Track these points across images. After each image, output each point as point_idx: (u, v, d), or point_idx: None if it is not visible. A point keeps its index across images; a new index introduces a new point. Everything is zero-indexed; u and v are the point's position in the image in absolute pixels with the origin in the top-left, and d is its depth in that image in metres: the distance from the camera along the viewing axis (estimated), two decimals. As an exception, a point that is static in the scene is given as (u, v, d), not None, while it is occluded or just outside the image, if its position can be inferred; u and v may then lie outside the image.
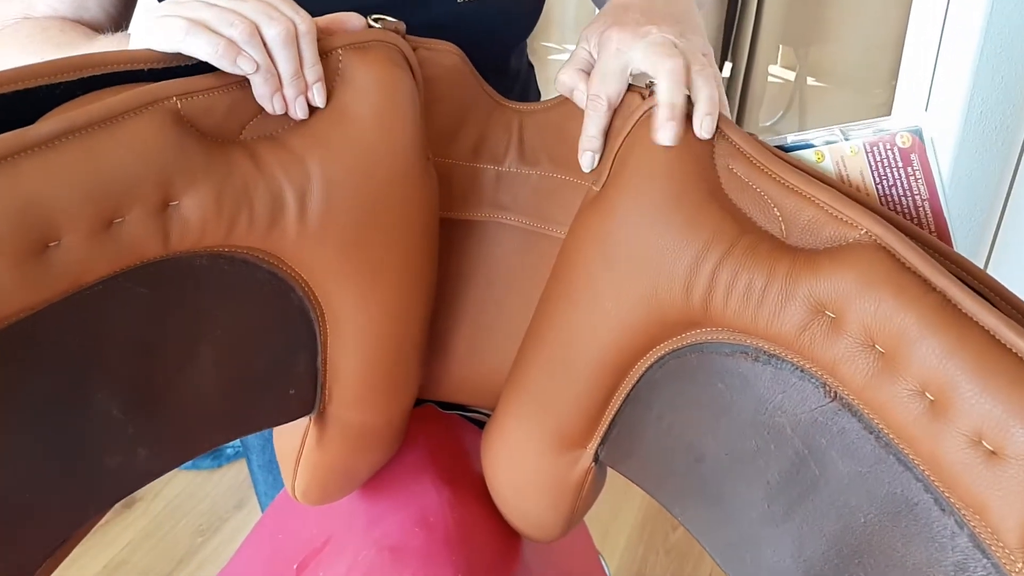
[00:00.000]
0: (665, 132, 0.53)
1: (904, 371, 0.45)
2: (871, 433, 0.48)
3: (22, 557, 0.50)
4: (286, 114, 0.51)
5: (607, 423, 0.62)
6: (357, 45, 0.53)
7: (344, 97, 0.52)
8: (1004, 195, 1.16)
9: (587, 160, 0.59)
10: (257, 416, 0.60)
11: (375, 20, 0.55)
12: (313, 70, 0.51)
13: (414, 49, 0.57)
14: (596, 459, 0.64)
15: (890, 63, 1.82)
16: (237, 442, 1.97)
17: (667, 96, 0.53)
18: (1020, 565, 0.42)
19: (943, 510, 0.45)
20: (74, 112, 0.42)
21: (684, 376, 0.57)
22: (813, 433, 0.52)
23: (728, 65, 2.23)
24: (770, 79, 2.25)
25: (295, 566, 0.78)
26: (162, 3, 0.51)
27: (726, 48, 2.15)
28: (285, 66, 0.50)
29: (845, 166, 0.54)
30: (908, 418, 0.45)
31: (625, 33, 0.57)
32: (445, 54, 0.60)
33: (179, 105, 0.46)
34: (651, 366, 0.58)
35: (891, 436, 0.47)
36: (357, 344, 0.59)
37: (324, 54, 0.52)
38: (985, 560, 0.43)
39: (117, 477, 0.52)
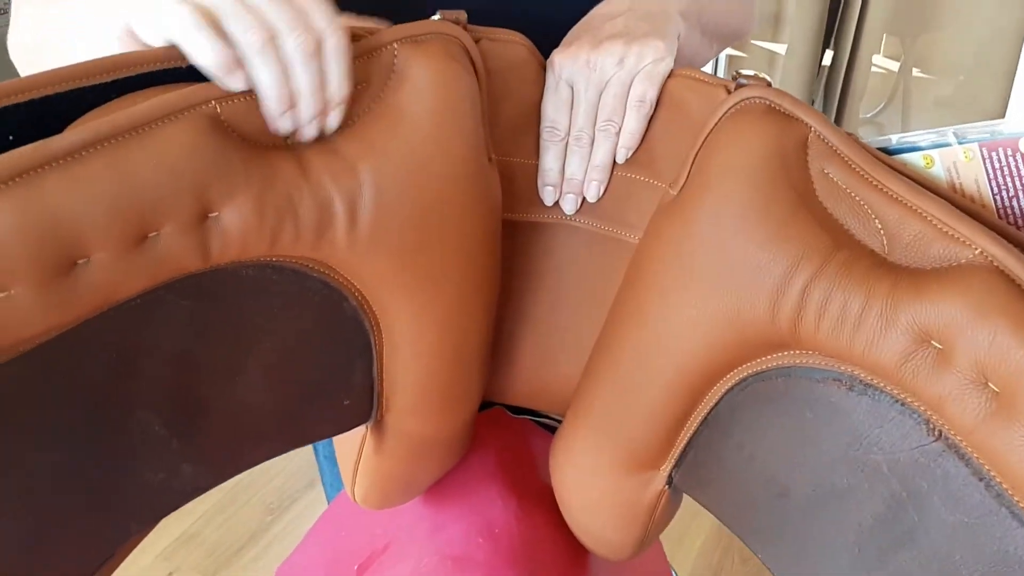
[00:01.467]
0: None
1: (1024, 416, 0.39)
2: (980, 480, 0.43)
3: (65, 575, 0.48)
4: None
5: (682, 446, 0.57)
6: (414, 38, 0.49)
7: (399, 96, 0.48)
8: None
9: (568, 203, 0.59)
10: (310, 428, 0.57)
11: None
12: (338, 90, 0.45)
13: (476, 40, 0.53)
14: (670, 482, 0.60)
15: (1006, 55, 1.70)
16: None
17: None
18: None
19: (1066, 578, 0.39)
20: (99, 120, 0.39)
21: (769, 401, 0.52)
22: (913, 475, 0.46)
23: (829, 53, 2.13)
24: (873, 69, 2.14)
25: (356, 567, 0.76)
26: None
27: (828, 36, 2.05)
28: (301, 82, 0.44)
29: (958, 173, 0.47)
30: None
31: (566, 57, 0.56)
32: (511, 45, 0.55)
33: (218, 109, 0.43)
34: (732, 388, 0.53)
35: (1005, 486, 0.41)
36: (414, 354, 0.56)
37: (378, 49, 0.48)
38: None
39: (160, 494, 0.50)
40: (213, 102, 0.42)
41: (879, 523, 0.48)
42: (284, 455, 0.56)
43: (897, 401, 0.46)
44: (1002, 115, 1.85)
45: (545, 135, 0.56)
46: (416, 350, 0.56)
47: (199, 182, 0.41)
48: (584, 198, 0.58)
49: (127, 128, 0.39)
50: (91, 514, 0.48)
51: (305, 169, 0.45)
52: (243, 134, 0.44)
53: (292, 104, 0.44)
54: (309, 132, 0.46)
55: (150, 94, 0.42)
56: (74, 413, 0.44)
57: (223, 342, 0.49)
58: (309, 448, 1.91)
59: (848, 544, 0.49)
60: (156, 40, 0.43)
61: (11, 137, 0.40)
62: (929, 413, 0.44)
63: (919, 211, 0.45)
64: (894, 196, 0.46)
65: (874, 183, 0.47)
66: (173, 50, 0.43)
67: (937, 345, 0.42)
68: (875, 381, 0.47)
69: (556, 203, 0.59)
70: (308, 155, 0.46)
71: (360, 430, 0.63)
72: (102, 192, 0.38)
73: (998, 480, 0.42)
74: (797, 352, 0.49)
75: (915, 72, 2.14)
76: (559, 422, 0.79)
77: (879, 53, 2.15)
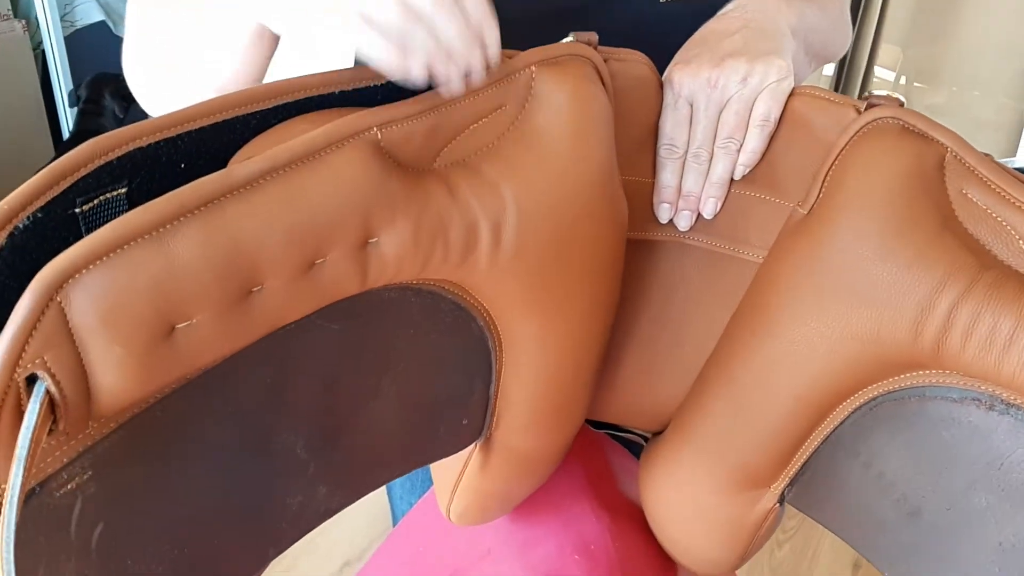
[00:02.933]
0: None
1: None
2: None
3: None
4: (480, 136, 0.47)
5: (799, 464, 0.57)
6: (550, 61, 0.49)
7: (538, 118, 0.48)
8: None
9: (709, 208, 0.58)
10: (433, 447, 0.57)
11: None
12: (487, 30, 0.45)
13: (604, 60, 0.52)
14: (781, 500, 0.60)
15: (995, 68, 1.72)
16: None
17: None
18: None
19: None
20: (276, 149, 0.38)
21: (901, 421, 0.52)
22: (1060, 495, 0.46)
23: (829, 65, 2.15)
24: (874, 79, 2.18)
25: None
26: None
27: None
28: (447, 27, 0.44)
29: (1104, 192, 0.47)
30: None
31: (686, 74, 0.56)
32: (635, 64, 0.55)
33: (379, 136, 0.42)
34: (860, 407, 0.53)
35: None
36: (533, 372, 0.56)
37: (516, 72, 0.48)
38: None
39: (297, 517, 0.50)
40: (375, 129, 0.42)
41: (1021, 543, 0.48)
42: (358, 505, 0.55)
43: (1044, 422, 0.46)
44: (993, 123, 1.88)
45: (663, 152, 0.56)
46: (535, 369, 0.55)
47: (364, 208, 0.41)
48: (700, 215, 0.58)
49: (302, 156, 0.39)
50: (233, 539, 0.47)
51: (454, 192, 0.45)
52: (400, 160, 0.43)
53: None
54: (477, 77, 0.46)
55: (311, 119, 0.42)
56: (228, 439, 0.43)
57: (363, 364, 0.48)
58: (380, 497, 1.90)
59: (987, 564, 0.49)
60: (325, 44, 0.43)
61: (183, 165, 0.39)
62: (1080, 435, 0.44)
63: (1069, 231, 0.45)
64: (1040, 216, 0.46)
65: (1016, 203, 0.47)
66: (330, 76, 0.42)
67: (1095, 368, 0.42)
68: (1017, 400, 0.46)
69: (670, 221, 0.58)
70: (455, 178, 0.45)
71: (462, 452, 0.63)
72: (279, 220, 0.38)
73: None
74: (934, 372, 0.49)
75: (907, 81, 2.19)
76: (640, 436, 0.79)
77: (877, 63, 2.19)
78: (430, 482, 0.86)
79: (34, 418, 0.33)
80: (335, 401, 0.47)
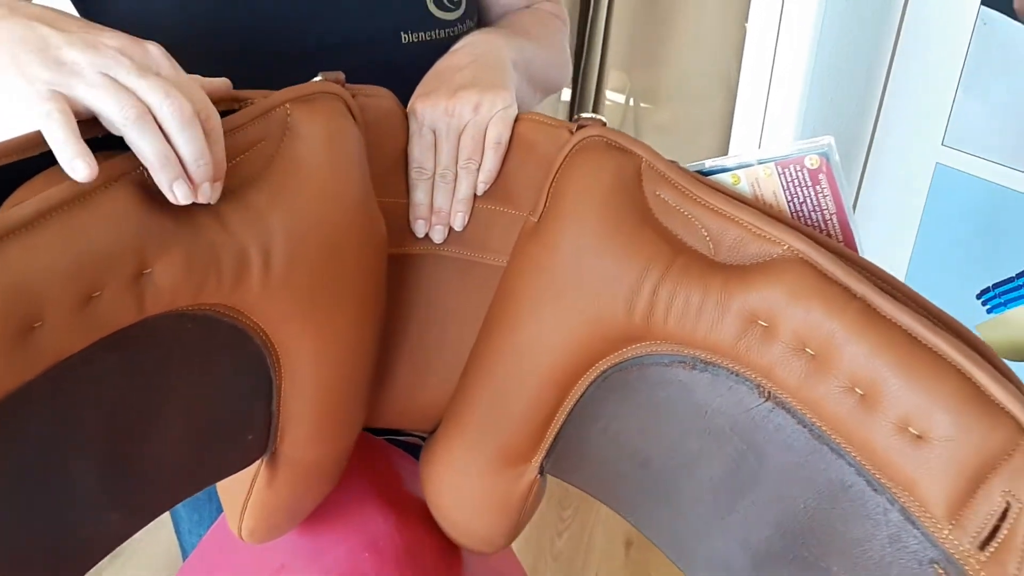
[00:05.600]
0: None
1: (835, 371, 0.51)
2: (804, 427, 0.54)
3: None
4: (245, 168, 0.51)
5: (551, 438, 0.66)
6: (303, 98, 0.55)
7: (296, 149, 0.54)
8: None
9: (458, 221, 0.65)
10: (220, 465, 0.60)
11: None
12: (219, 166, 0.48)
13: (353, 96, 0.59)
14: (541, 471, 0.68)
15: (707, 86, 1.99)
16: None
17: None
18: (946, 532, 0.48)
19: (875, 490, 0.51)
20: (49, 192, 0.42)
21: (626, 388, 0.61)
22: (751, 431, 0.57)
23: (567, 91, 2.37)
24: (606, 102, 2.41)
25: (238, 603, 0.78)
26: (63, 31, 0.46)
27: (575, 77, 2.27)
28: (185, 148, 0.46)
29: (760, 187, 0.59)
30: (841, 412, 0.51)
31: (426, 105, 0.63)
32: (380, 99, 0.62)
33: (145, 174, 0.46)
34: (594, 381, 0.62)
35: (824, 428, 0.53)
36: (311, 385, 0.61)
37: (271, 109, 0.53)
38: (916, 531, 0.49)
39: (91, 545, 0.52)
40: (140, 168, 0.46)
41: (728, 475, 0.59)
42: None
43: (732, 373, 0.57)
44: (709, 131, 2.15)
45: (414, 175, 0.63)
46: (314, 382, 0.60)
47: (137, 241, 0.45)
48: (451, 228, 0.65)
49: (74, 196, 0.42)
50: (22, 570, 0.49)
51: (224, 223, 0.49)
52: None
53: (179, 173, 0.46)
54: (205, 196, 0.48)
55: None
56: (18, 470, 0.45)
57: (145, 390, 0.51)
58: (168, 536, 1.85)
59: (704, 497, 0.60)
60: (12, 114, 0.45)
61: None
62: (759, 379, 0.55)
63: (736, 219, 0.56)
64: (714, 208, 0.57)
65: (697, 199, 0.58)
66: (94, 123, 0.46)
67: (763, 324, 0.54)
68: (713, 359, 0.57)
69: (426, 235, 0.66)
70: (223, 209, 0.50)
71: (249, 470, 0.66)
72: (58, 257, 0.41)
73: (818, 424, 0.53)
74: (648, 343, 0.59)
75: (635, 102, 2.44)
76: (419, 438, 0.85)
77: (608, 87, 2.42)
78: (217, 512, 0.88)
79: None
80: (122, 428, 0.50)
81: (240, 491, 0.68)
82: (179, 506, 0.91)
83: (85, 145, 0.43)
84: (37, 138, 0.45)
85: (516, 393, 0.64)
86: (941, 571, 0.49)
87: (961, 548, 0.47)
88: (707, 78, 2.13)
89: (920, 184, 1.15)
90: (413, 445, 0.86)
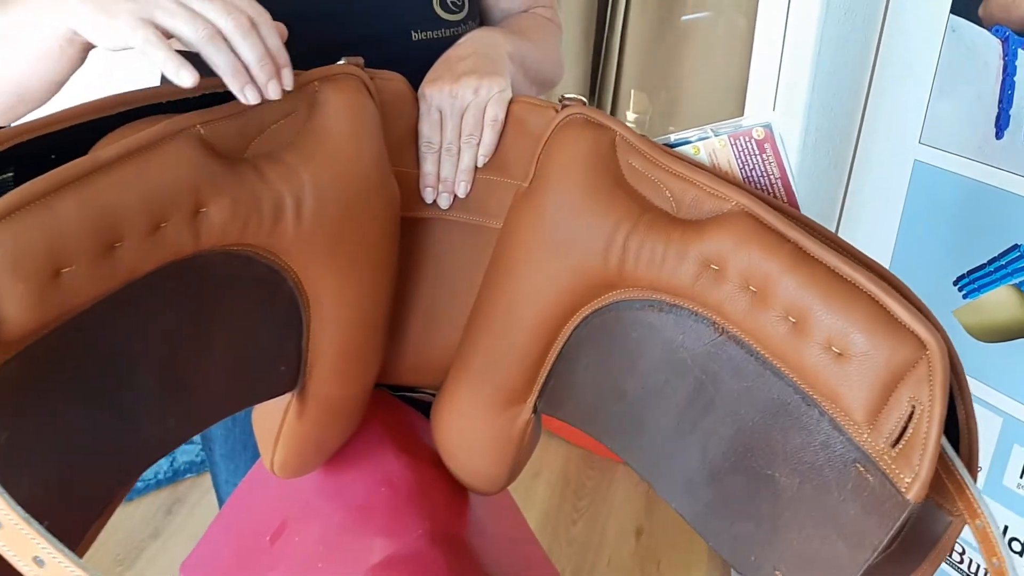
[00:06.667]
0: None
1: (772, 303, 0.61)
2: (751, 355, 0.64)
3: (76, 516, 0.59)
4: (280, 133, 0.62)
5: (543, 378, 0.76)
6: (329, 77, 0.66)
7: (323, 119, 0.65)
8: (836, 217, 1.39)
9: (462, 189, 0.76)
10: (257, 389, 0.71)
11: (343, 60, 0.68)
12: (279, 55, 0.58)
13: (371, 79, 0.70)
14: (535, 410, 0.78)
15: (728, 107, 2.09)
16: (150, 475, 2.03)
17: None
18: (866, 435, 0.57)
19: (808, 404, 0.61)
20: (128, 139, 0.53)
21: (605, 330, 0.71)
22: (708, 362, 0.67)
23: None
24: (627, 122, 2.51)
25: (268, 537, 0.88)
26: None
27: (591, 96, 2.37)
28: (249, 54, 0.57)
29: (716, 156, 0.69)
30: (777, 337, 0.61)
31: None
32: (394, 82, 0.73)
33: (202, 131, 0.57)
34: (578, 325, 0.72)
35: (766, 355, 0.63)
36: (335, 325, 0.71)
37: (302, 86, 0.65)
38: (841, 436, 0.59)
39: (152, 443, 0.62)
40: (198, 125, 0.57)
41: (689, 401, 0.68)
42: (124, 509, 0.67)
43: (693, 313, 0.66)
44: None
45: (423, 148, 0.74)
46: (338, 321, 0.71)
47: (195, 184, 0.56)
48: (456, 196, 0.76)
49: (146, 144, 0.54)
50: (100, 461, 0.59)
51: (262, 175, 0.61)
52: (219, 150, 0.59)
53: (248, 78, 0.58)
54: (273, 91, 0.59)
55: (149, 122, 0.57)
56: (96, 372, 0.56)
57: (196, 316, 0.62)
58: (148, 501, 1.97)
59: (670, 421, 0.70)
60: (111, 46, 0.55)
61: (53, 156, 0.53)
62: (714, 316, 0.65)
63: (694, 182, 0.66)
64: (676, 173, 0.67)
65: (662, 166, 0.68)
66: (162, 90, 0.57)
67: (715, 267, 0.63)
68: (677, 301, 0.67)
69: (434, 202, 0.76)
70: (263, 165, 0.61)
71: (282, 402, 0.77)
72: (134, 191, 0.52)
73: (761, 352, 0.63)
74: (622, 290, 0.69)
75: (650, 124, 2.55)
76: (432, 396, 0.96)
77: (628, 108, 2.52)
78: (251, 462, 0.98)
79: None
80: (178, 345, 0.61)
81: (273, 425, 0.79)
82: (217, 457, 1.02)
83: (183, 58, 0.54)
84: (112, 101, 0.56)
85: (512, 339, 0.74)
86: (862, 468, 0.58)
87: (877, 448, 0.57)
88: (720, 97, 2.23)
89: (900, 180, 1.25)
90: (424, 402, 0.96)
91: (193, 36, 0.56)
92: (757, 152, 0.68)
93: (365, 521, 0.81)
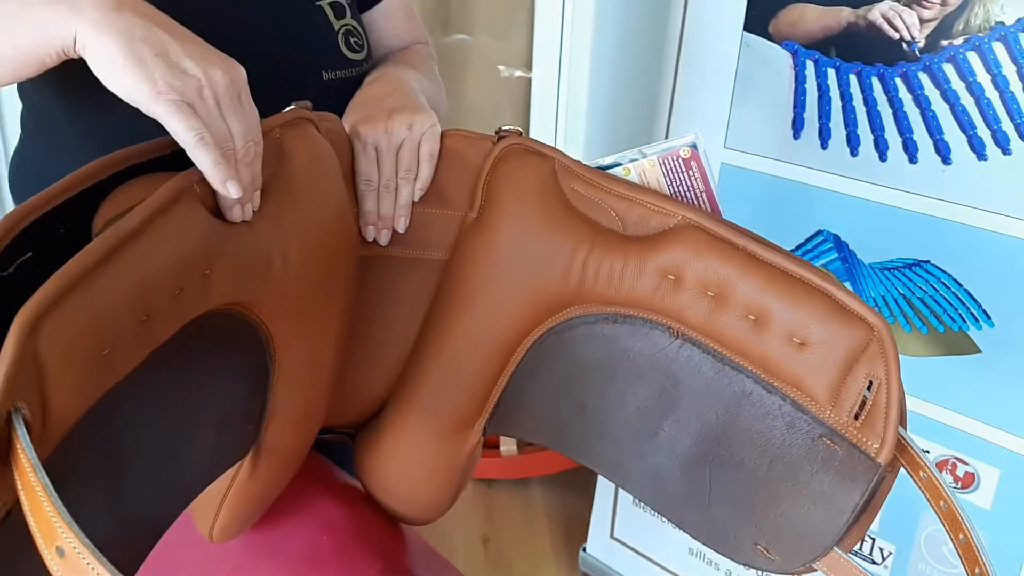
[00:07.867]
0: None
1: (731, 305, 0.67)
2: (708, 354, 0.70)
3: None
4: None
5: (495, 400, 0.78)
6: (288, 124, 0.64)
7: (292, 167, 0.63)
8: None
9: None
10: (232, 454, 0.67)
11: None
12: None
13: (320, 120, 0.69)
14: (484, 432, 0.80)
15: None
16: None
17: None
18: (829, 412, 0.65)
19: (770, 392, 0.68)
20: (142, 206, 0.49)
21: (561, 347, 0.75)
22: (666, 365, 0.72)
23: None
24: None
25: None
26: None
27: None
28: (247, 177, 0.57)
29: (646, 176, 0.75)
30: (739, 335, 0.67)
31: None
32: (334, 123, 0.72)
33: (198, 190, 0.54)
34: (532, 344, 0.75)
35: (725, 352, 0.69)
36: (297, 374, 0.69)
37: (265, 134, 0.62)
38: (805, 416, 0.66)
39: (147, 525, 0.58)
40: (195, 184, 0.54)
41: (652, 403, 0.74)
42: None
43: (647, 321, 0.72)
44: None
45: (362, 187, 0.73)
46: (302, 371, 0.69)
47: (206, 245, 0.53)
48: (395, 231, 0.76)
49: (159, 209, 0.50)
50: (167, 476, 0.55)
51: (253, 229, 0.58)
52: (208, 207, 0.56)
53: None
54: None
55: (144, 181, 0.53)
56: (102, 460, 0.52)
57: (185, 379, 0.59)
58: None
59: (633, 425, 0.75)
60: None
61: (61, 229, 0.48)
62: (669, 323, 0.71)
63: (638, 200, 0.72)
64: (619, 194, 0.72)
65: (605, 188, 0.73)
66: (151, 145, 0.54)
67: (672, 277, 0.69)
68: (631, 312, 0.72)
69: (374, 240, 0.76)
70: (253, 219, 0.59)
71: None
72: (163, 257, 0.49)
73: (720, 350, 0.69)
74: (578, 307, 0.73)
75: None
76: (346, 434, 0.93)
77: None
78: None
79: (28, 442, 0.40)
80: (172, 412, 0.58)
81: (217, 489, 0.74)
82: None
83: (232, 168, 0.54)
84: (99, 166, 0.52)
85: (467, 362, 0.75)
86: (829, 442, 0.66)
87: (841, 421, 0.65)
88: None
89: (710, 181, 1.38)
90: (326, 443, 0.94)
91: (218, 146, 0.55)
92: (684, 170, 0.74)
93: (318, 571, 0.79)
